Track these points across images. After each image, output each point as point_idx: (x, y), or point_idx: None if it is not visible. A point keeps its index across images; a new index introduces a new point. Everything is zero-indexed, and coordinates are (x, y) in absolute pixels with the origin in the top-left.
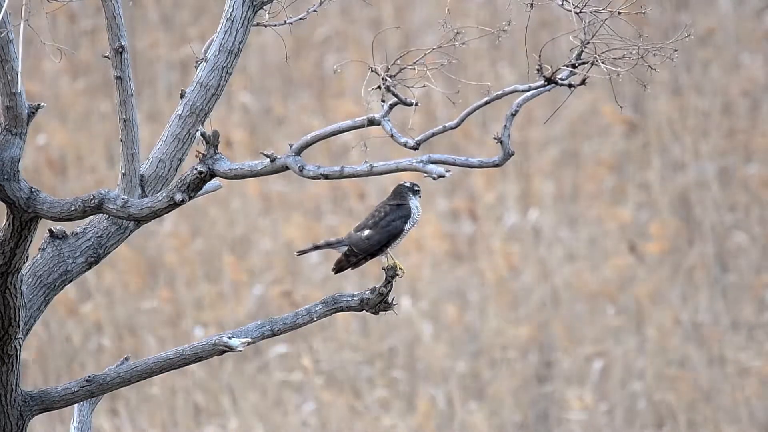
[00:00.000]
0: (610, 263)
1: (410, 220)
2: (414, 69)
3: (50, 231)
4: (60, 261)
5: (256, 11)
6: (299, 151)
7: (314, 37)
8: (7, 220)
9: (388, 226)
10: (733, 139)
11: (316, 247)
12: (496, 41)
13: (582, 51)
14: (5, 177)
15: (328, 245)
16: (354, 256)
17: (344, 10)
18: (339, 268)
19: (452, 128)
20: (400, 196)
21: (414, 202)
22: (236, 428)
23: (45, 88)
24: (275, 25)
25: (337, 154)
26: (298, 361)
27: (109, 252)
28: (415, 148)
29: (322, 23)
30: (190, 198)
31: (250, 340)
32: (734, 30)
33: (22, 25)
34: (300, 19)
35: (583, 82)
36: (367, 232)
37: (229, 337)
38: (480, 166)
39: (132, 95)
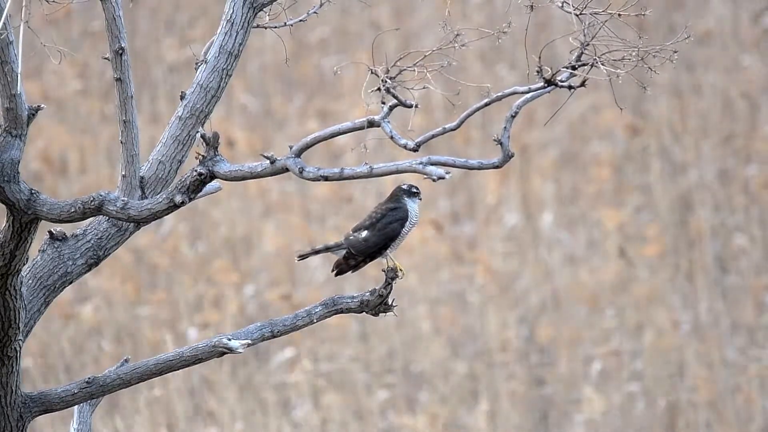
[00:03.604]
0: (610, 265)
1: (408, 223)
2: (414, 71)
3: (50, 233)
4: (60, 263)
5: (256, 13)
6: (299, 153)
7: (314, 38)
8: (7, 221)
9: (386, 229)
10: (732, 140)
11: (316, 252)
12: (495, 43)
13: (582, 53)
14: (5, 179)
15: (328, 249)
16: (353, 258)
17: (344, 11)
18: (339, 270)
19: (452, 130)
20: (399, 198)
21: (412, 205)
22: (236, 430)
23: (45, 89)
24: (275, 27)
25: (337, 155)
26: (298, 363)
27: (109, 254)
28: (415, 150)
29: (322, 25)
30: (190, 200)
31: (249, 341)
32: (732, 31)
33: (22, 27)
34: (300, 20)
35: (583, 84)
36: (364, 233)
37: (229, 339)
38: (480, 168)
39: (132, 97)
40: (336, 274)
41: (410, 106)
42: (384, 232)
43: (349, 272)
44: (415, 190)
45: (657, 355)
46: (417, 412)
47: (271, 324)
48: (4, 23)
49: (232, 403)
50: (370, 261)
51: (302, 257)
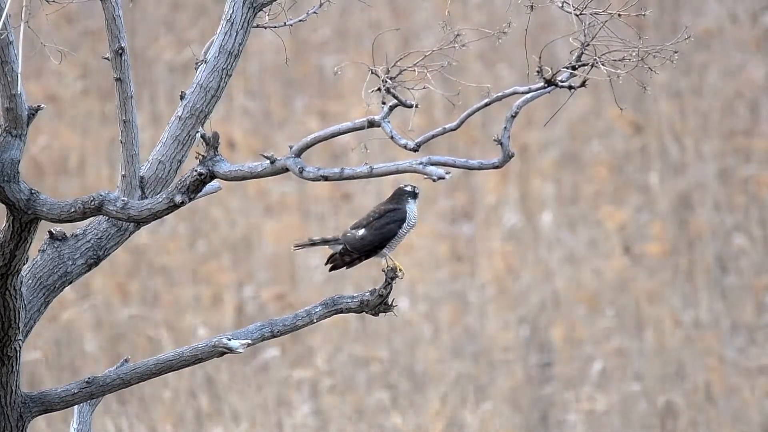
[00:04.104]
0: (610, 265)
1: (405, 224)
2: (414, 71)
3: (50, 232)
4: (60, 262)
5: (256, 13)
6: (299, 153)
7: (314, 38)
8: (7, 221)
9: (383, 229)
10: (732, 140)
11: (313, 243)
12: (495, 43)
13: (582, 53)
14: (5, 179)
15: (325, 242)
16: (348, 255)
17: (344, 11)
18: (333, 266)
19: (452, 130)
20: (398, 199)
21: (411, 206)
22: (238, 430)
23: (46, 89)
24: (275, 27)
25: (337, 155)
26: (299, 363)
27: (109, 254)
28: (415, 150)
29: (322, 25)
30: (190, 200)
31: (249, 341)
32: (731, 32)
33: (22, 27)
34: (300, 20)
35: (583, 84)
36: (361, 231)
37: (229, 339)
38: (480, 168)
39: (132, 97)
40: (330, 269)
41: (410, 106)
42: (381, 232)
43: (344, 268)
44: (415, 191)
45: (657, 355)
46: (417, 412)
47: (271, 324)
48: (4, 23)
49: (233, 403)
50: (365, 259)
51: (298, 247)
